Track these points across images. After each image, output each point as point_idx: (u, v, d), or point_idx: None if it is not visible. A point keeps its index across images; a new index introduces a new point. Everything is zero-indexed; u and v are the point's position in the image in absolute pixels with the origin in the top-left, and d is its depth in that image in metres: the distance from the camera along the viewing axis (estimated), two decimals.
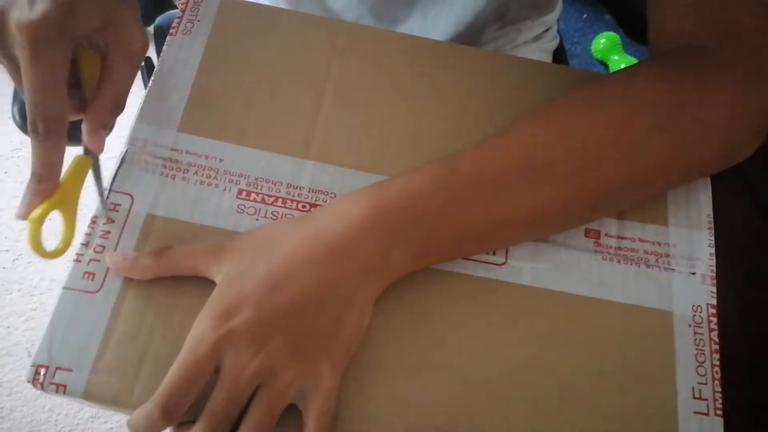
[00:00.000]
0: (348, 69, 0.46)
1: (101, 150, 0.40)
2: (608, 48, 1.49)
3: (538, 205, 0.39)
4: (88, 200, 0.41)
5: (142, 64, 0.83)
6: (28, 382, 0.37)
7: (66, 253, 0.39)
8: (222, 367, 0.35)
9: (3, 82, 1.54)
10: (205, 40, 0.46)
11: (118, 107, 0.41)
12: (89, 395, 0.37)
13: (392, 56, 0.47)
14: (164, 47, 0.46)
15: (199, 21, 0.47)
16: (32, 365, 0.37)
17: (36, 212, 0.37)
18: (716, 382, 0.39)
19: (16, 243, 1.35)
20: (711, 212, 0.44)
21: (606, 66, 1.50)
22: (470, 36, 0.61)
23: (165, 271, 0.39)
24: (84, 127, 0.40)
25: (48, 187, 0.38)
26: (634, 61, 1.45)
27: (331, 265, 0.36)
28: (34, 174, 0.38)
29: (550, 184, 0.39)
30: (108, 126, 0.41)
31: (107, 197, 0.41)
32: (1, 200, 1.40)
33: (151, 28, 0.92)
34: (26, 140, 1.45)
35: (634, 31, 0.79)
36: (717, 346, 0.40)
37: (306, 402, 0.36)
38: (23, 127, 0.77)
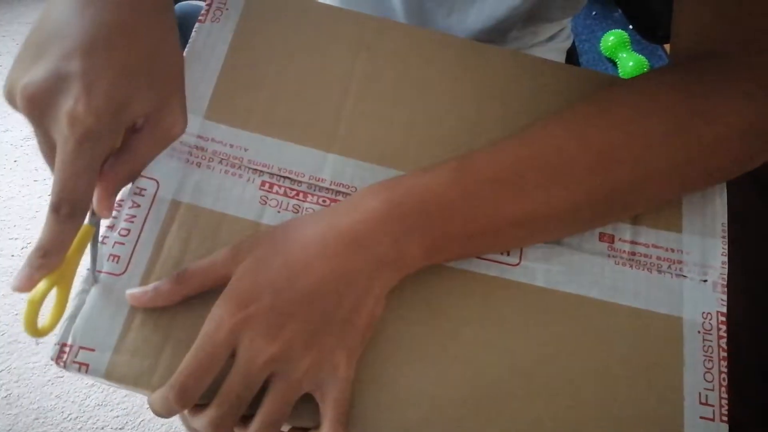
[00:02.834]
0: (373, 64, 0.47)
1: (109, 215, 0.39)
2: (617, 46, 1.49)
3: (551, 207, 0.40)
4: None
5: None
6: (52, 360, 0.38)
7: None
8: (237, 352, 0.36)
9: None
10: (233, 29, 0.47)
11: (134, 177, 0.41)
12: (111, 375, 0.37)
13: (418, 53, 0.47)
14: (192, 34, 0.46)
15: (228, 9, 0.47)
16: (56, 344, 0.38)
17: (37, 293, 0.35)
18: (723, 389, 0.40)
19: (26, 231, 1.36)
20: (726, 220, 0.44)
21: (614, 63, 1.50)
22: (497, 34, 0.62)
23: (190, 291, 0.38)
24: (96, 191, 0.38)
25: (53, 262, 0.36)
26: (642, 59, 1.45)
27: (346, 256, 0.37)
28: (40, 248, 0.35)
29: (563, 186, 0.39)
30: (119, 192, 0.40)
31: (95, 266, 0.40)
32: (11, 189, 1.41)
33: None
34: None
35: (645, 29, 0.79)
36: (725, 354, 0.41)
37: (322, 392, 0.37)
38: None
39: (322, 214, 0.39)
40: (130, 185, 0.41)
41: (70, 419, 1.17)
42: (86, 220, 0.38)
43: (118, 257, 0.40)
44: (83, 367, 0.37)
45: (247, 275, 0.37)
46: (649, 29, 0.78)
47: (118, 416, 1.17)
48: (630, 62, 1.45)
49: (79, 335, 0.38)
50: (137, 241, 0.40)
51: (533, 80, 0.48)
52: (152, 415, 1.19)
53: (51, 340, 0.38)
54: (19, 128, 1.48)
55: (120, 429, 1.16)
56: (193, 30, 0.47)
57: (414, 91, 0.46)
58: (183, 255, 0.40)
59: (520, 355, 0.40)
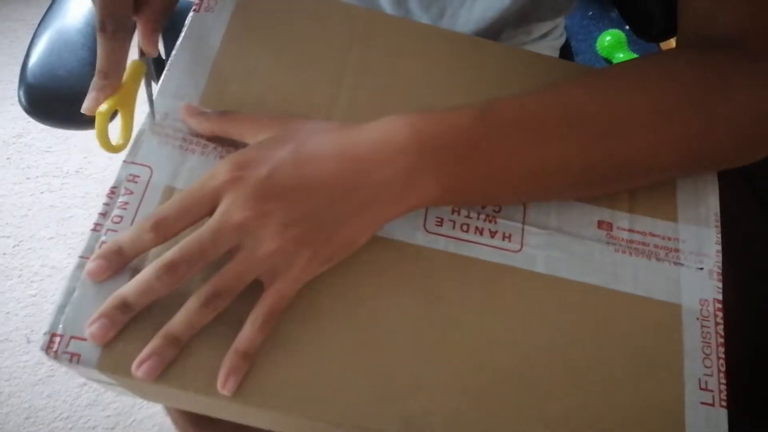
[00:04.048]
0: (367, 56, 0.47)
1: (155, 52, 0.44)
2: (613, 46, 1.49)
3: (566, 160, 0.40)
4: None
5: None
6: (42, 350, 0.37)
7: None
8: (217, 208, 0.37)
9: (5, 68, 1.55)
10: (227, 19, 0.47)
11: (168, 13, 0.44)
12: (103, 366, 0.36)
13: (411, 45, 0.48)
14: (186, 23, 0.46)
15: None
16: (46, 333, 0.37)
17: (103, 107, 0.39)
18: (722, 375, 0.40)
19: (18, 229, 1.35)
20: (718, 211, 0.45)
21: (610, 64, 1.51)
22: (489, 36, 0.62)
23: (220, 129, 0.41)
24: (139, 30, 0.43)
25: (112, 83, 0.40)
26: None
27: (354, 168, 0.37)
28: (100, 71, 0.40)
29: (579, 143, 0.40)
30: (160, 29, 0.44)
31: (154, 101, 0.44)
32: (3, 187, 1.40)
33: None
34: (29, 126, 1.47)
35: (641, 29, 0.80)
36: (722, 340, 0.41)
37: (272, 280, 0.37)
38: (29, 111, 0.76)
39: (349, 126, 0.40)
40: (123, 174, 0.41)
41: (62, 418, 1.16)
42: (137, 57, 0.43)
43: None
44: (75, 357, 0.37)
45: (258, 145, 0.39)
46: (644, 28, 0.78)
47: (109, 416, 1.16)
48: None
49: (70, 324, 0.37)
50: None
51: (527, 74, 0.48)
52: (143, 415, 1.18)
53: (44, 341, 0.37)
54: (11, 126, 1.47)
55: (111, 429, 1.16)
56: (187, 19, 0.46)
57: (408, 83, 0.46)
58: (176, 242, 0.40)
59: (521, 343, 0.40)
